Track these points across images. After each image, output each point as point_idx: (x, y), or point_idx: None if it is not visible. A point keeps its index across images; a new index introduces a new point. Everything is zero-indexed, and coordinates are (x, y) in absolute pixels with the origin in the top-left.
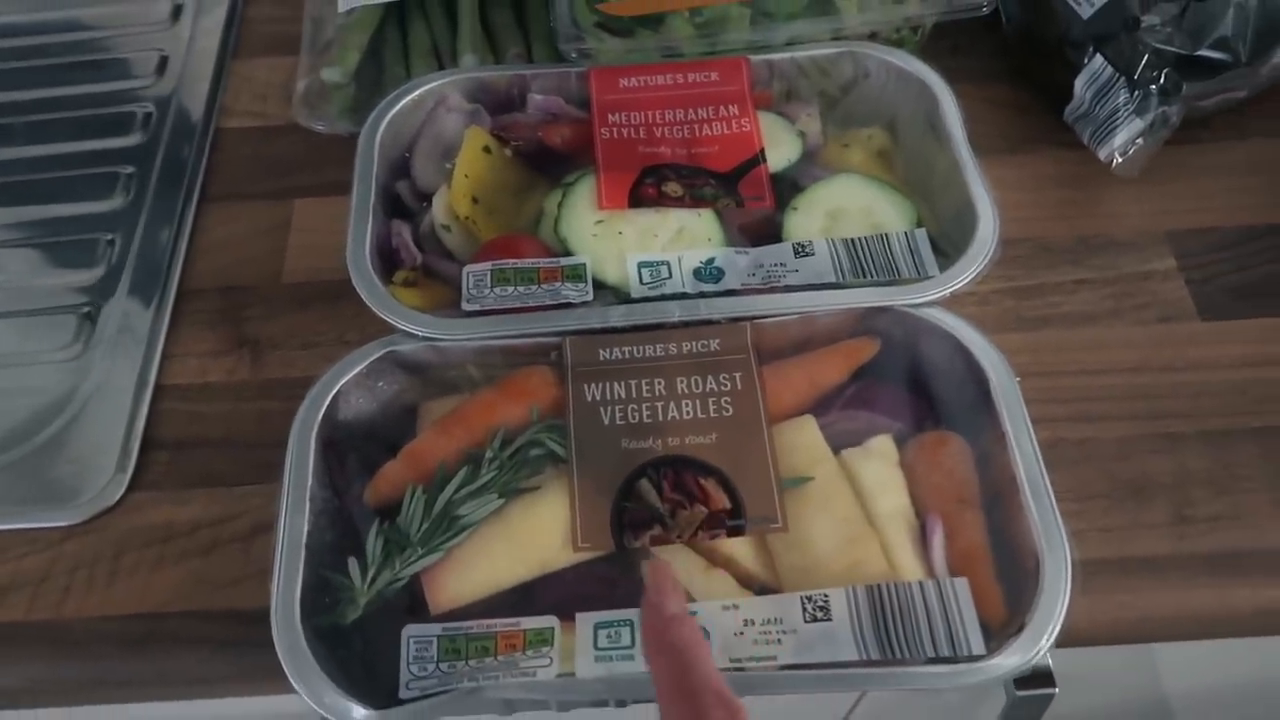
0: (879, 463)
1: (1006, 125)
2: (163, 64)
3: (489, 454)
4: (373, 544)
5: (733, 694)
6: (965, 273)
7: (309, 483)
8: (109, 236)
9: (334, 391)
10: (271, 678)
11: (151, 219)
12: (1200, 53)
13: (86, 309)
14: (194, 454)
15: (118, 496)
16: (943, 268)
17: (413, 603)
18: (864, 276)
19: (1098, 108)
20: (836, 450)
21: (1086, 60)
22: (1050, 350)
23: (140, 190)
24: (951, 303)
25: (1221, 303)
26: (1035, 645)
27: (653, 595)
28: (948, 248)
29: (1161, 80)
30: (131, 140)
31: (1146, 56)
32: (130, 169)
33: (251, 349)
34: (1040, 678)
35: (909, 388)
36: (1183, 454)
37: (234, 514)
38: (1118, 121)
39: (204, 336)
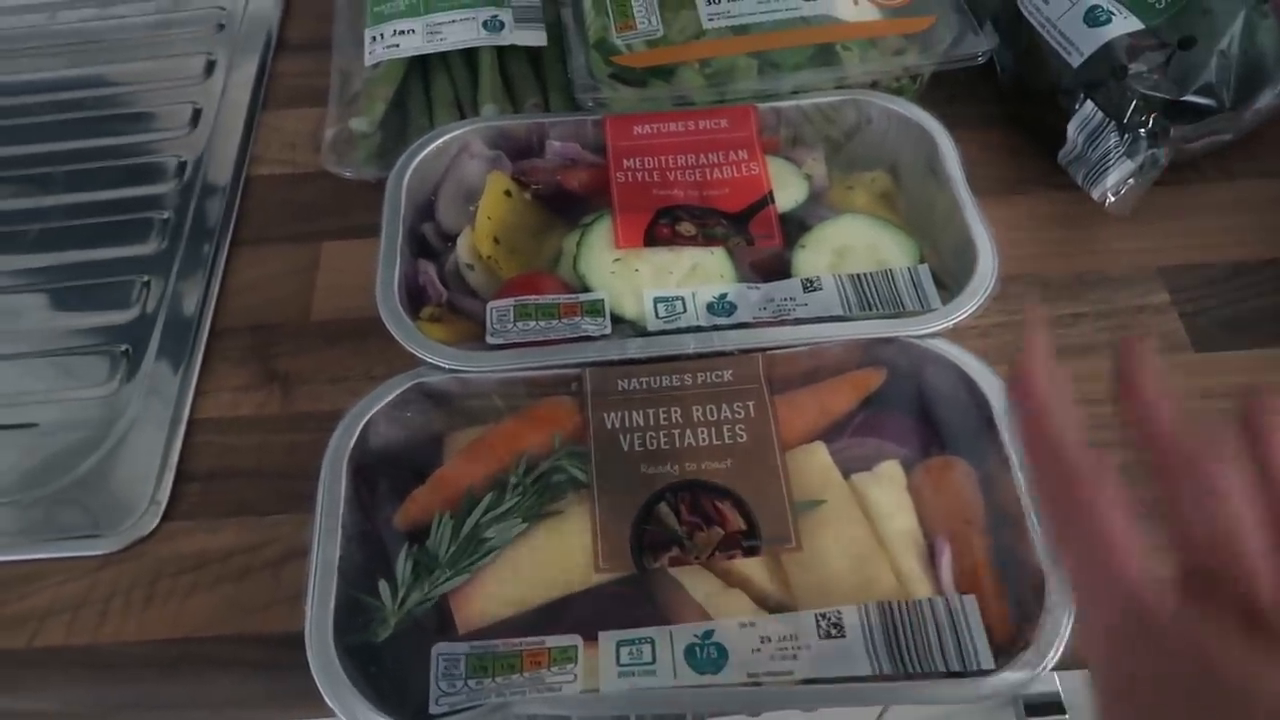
0: (888, 486)
1: (1003, 168)
2: (196, 116)
3: (513, 480)
4: (403, 566)
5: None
6: (967, 305)
7: (340, 508)
8: (144, 279)
9: (364, 421)
10: (306, 698)
11: (185, 262)
12: (1186, 98)
13: (123, 348)
14: (226, 485)
15: (153, 526)
16: (945, 301)
17: (441, 622)
18: (870, 310)
19: (1090, 151)
20: (847, 475)
21: (1078, 106)
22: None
23: (174, 235)
24: (954, 335)
25: (1213, 335)
26: (1042, 660)
27: (1025, 354)
28: (949, 282)
29: (1150, 124)
30: (166, 188)
31: (1135, 102)
32: (165, 215)
33: (281, 384)
34: (1050, 705)
35: (915, 415)
36: None
37: (265, 541)
38: (1109, 163)
39: (235, 373)
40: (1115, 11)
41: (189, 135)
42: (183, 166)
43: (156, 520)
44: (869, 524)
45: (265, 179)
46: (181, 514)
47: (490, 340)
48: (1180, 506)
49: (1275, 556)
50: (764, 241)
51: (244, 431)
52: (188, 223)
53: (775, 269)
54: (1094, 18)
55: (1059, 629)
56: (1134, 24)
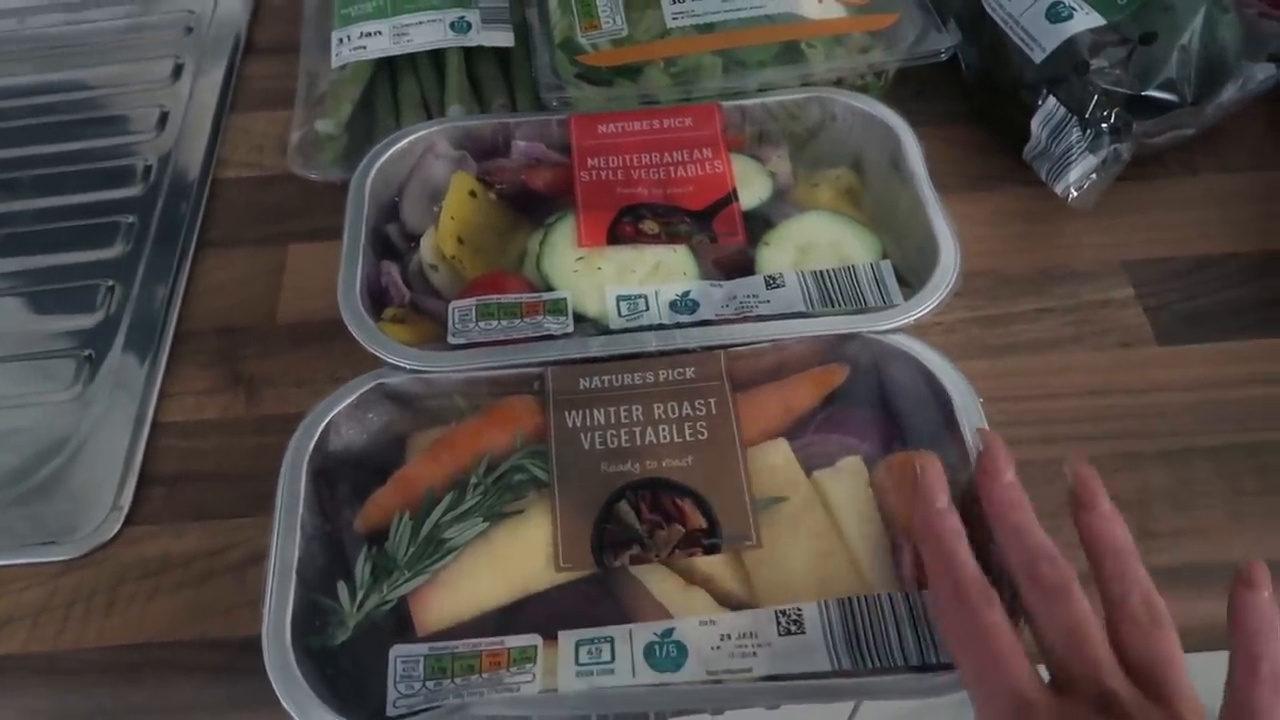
0: (849, 482)
1: (967, 164)
2: (163, 119)
3: (474, 479)
4: (362, 568)
5: (987, 583)
6: (928, 300)
7: (300, 511)
8: (109, 283)
9: (325, 423)
10: (265, 702)
11: (150, 265)
12: (1148, 93)
13: (87, 352)
14: (189, 488)
15: (114, 531)
16: (907, 297)
17: (400, 624)
18: (832, 306)
19: (1053, 146)
20: (809, 471)
21: (1040, 102)
22: (1014, 375)
23: (140, 239)
24: (917, 331)
25: (1177, 328)
26: None
27: (924, 496)
28: (912, 279)
29: (1112, 119)
30: (132, 191)
31: (1096, 97)
32: (131, 219)
33: (246, 387)
34: None
35: (878, 411)
36: (1144, 472)
37: (228, 545)
38: (1072, 158)
39: (200, 376)
40: (1077, 7)
41: (156, 138)
42: (149, 170)
43: (119, 525)
44: (830, 520)
45: (232, 181)
46: (144, 518)
47: (452, 340)
48: (1036, 610)
49: (1110, 653)
50: (727, 239)
51: (208, 434)
52: (154, 226)
53: (739, 266)
54: (1056, 14)
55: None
56: (1096, 20)
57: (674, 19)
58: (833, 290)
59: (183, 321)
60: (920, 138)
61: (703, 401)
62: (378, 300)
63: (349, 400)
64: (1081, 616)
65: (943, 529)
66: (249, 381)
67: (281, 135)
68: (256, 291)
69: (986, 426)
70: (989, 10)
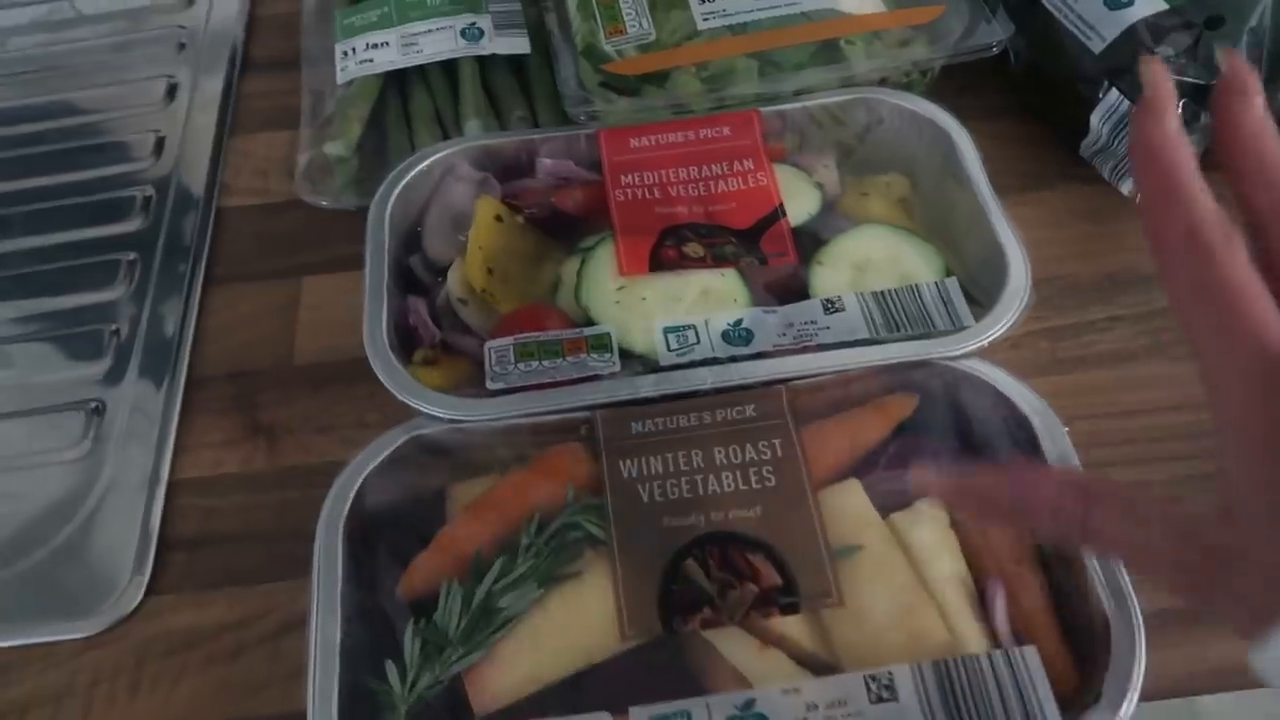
0: (930, 525)
1: (1020, 162)
2: (159, 145)
3: (525, 540)
4: (410, 645)
5: (1226, 220)
6: (1001, 321)
7: (339, 583)
8: (113, 327)
9: (359, 482)
10: None
11: (156, 306)
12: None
13: (94, 404)
14: (213, 552)
15: (136, 602)
16: (977, 316)
17: (455, 705)
18: (897, 330)
19: (1116, 143)
20: (885, 513)
21: (1101, 95)
22: (1089, 392)
23: (143, 277)
24: (986, 350)
25: None
26: (1115, 714)
27: (1148, 106)
28: (979, 294)
29: (1180, 111)
30: (131, 225)
31: None
32: (131, 255)
33: (266, 436)
34: None
35: (953, 443)
36: None
37: (258, 614)
38: None
39: (216, 426)
40: None
41: (153, 166)
42: (148, 201)
43: (140, 595)
44: (913, 569)
45: (237, 210)
46: (166, 587)
47: (490, 385)
48: None
49: None
50: (777, 260)
51: (229, 491)
52: (156, 263)
53: (792, 289)
54: (1115, 0)
55: (1130, 677)
56: (1157, 4)
57: (704, 20)
58: (897, 313)
59: (194, 367)
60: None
61: (766, 443)
62: (405, 340)
63: (383, 456)
64: None
65: (1174, 153)
66: (269, 430)
67: (287, 158)
68: (270, 330)
69: (1073, 453)
70: None
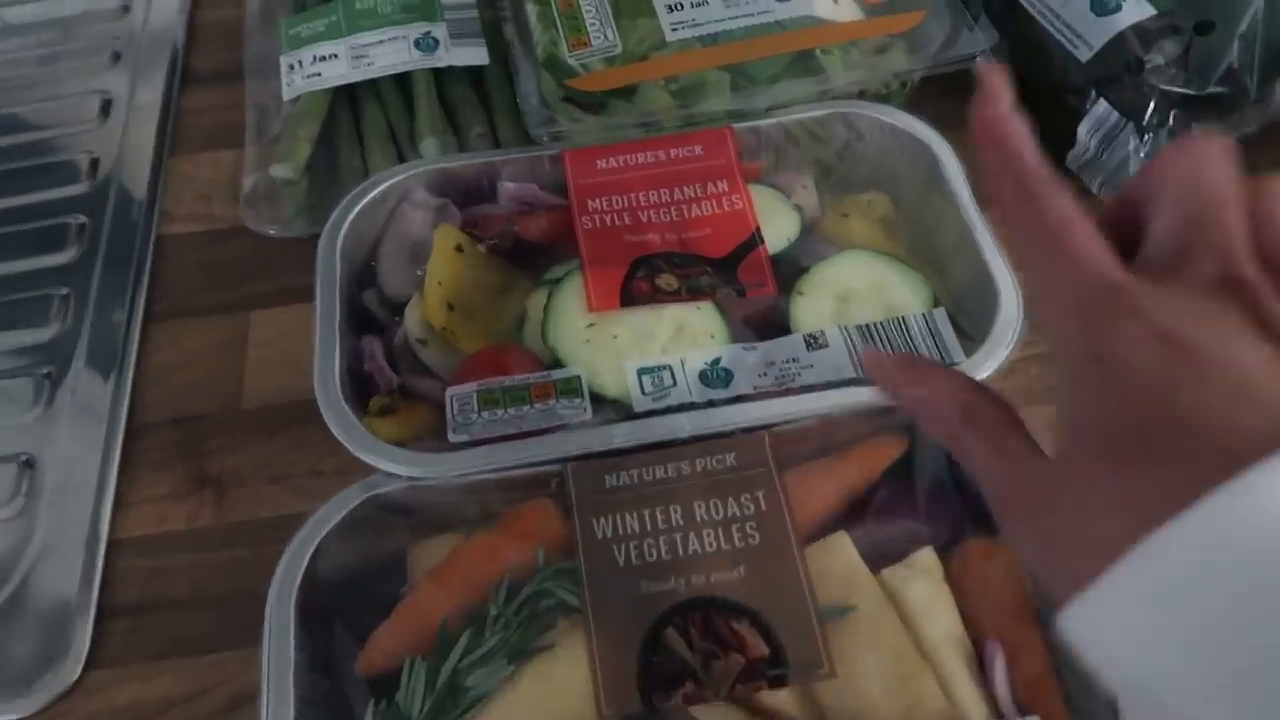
0: (924, 581)
1: None
2: (94, 167)
3: (494, 610)
4: None
5: (1054, 174)
6: (993, 357)
7: (291, 663)
8: (45, 369)
9: (312, 548)
10: None
11: (93, 346)
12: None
13: (24, 457)
14: (158, 618)
15: (75, 676)
16: (967, 350)
17: None
18: None
19: (1104, 155)
20: (875, 568)
21: (1089, 106)
22: None
23: (78, 314)
24: None
25: None
26: None
27: (983, 94)
28: (968, 324)
29: (1170, 122)
30: (64, 256)
31: (1154, 99)
32: (64, 290)
33: (214, 489)
34: None
35: (943, 487)
36: None
37: (208, 686)
38: (1129, 169)
39: (160, 478)
40: None
41: (88, 190)
42: (82, 229)
43: (79, 669)
44: (907, 630)
45: (179, 238)
46: (108, 659)
47: (453, 438)
48: (1166, 169)
49: (1248, 231)
50: (756, 291)
51: (174, 550)
52: (92, 296)
53: (771, 322)
54: (1102, 5)
55: None
56: (1145, 9)
57: (673, 31)
58: (883, 348)
59: (135, 413)
60: (951, 145)
61: (749, 496)
62: (360, 386)
63: (337, 518)
64: (1228, 180)
65: (1007, 130)
66: (217, 482)
67: (231, 179)
68: (217, 370)
69: None
70: (1024, 3)
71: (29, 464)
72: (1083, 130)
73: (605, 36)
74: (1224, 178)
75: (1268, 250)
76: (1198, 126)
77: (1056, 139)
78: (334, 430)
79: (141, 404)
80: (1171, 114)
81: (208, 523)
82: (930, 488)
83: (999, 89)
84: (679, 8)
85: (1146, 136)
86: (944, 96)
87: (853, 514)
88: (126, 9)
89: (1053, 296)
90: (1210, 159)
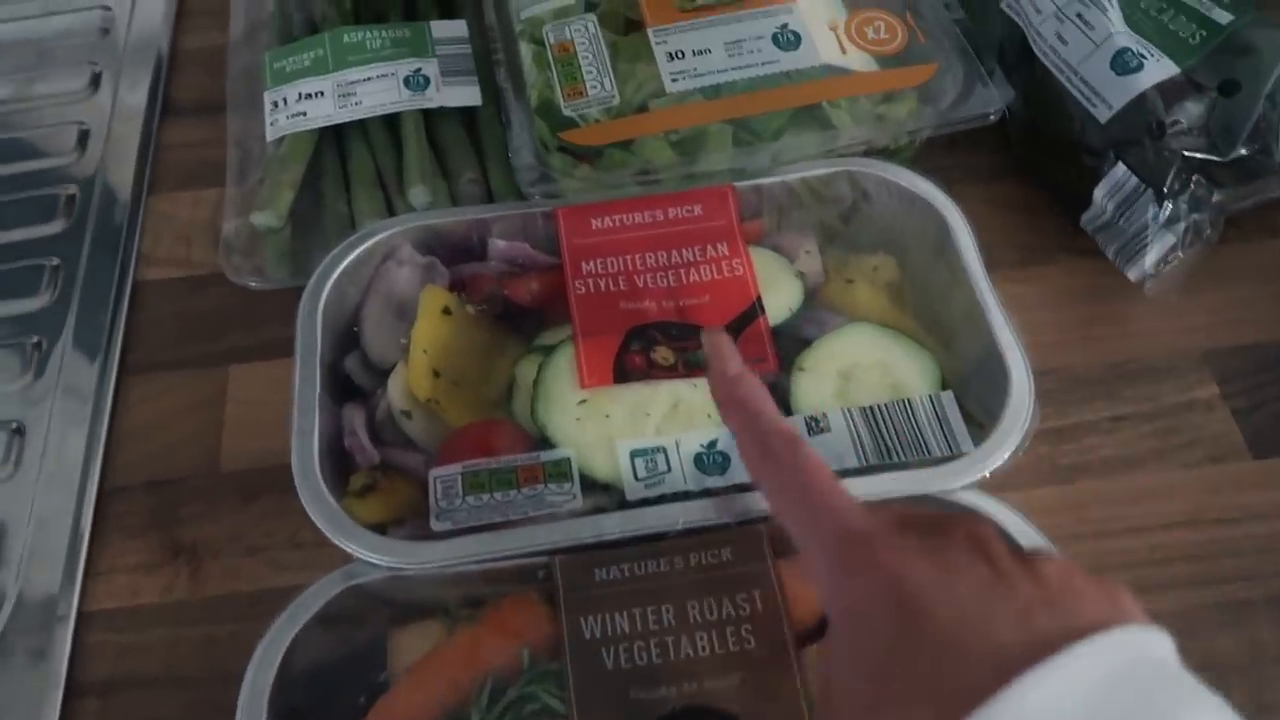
0: None
1: (1017, 231)
2: (70, 205)
3: (476, 715)
4: None
5: (794, 429)
6: (1002, 447)
7: None
8: (13, 424)
9: (287, 642)
10: None
11: (65, 402)
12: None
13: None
14: (128, 699)
15: None
16: (975, 438)
17: None
18: (888, 455)
19: (1122, 220)
20: None
21: (1106, 169)
22: (1091, 504)
23: (48, 366)
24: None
25: (1273, 435)
26: None
27: (715, 362)
28: (975, 408)
29: (1191, 188)
30: (37, 303)
31: (1176, 165)
32: (35, 338)
33: (189, 558)
34: None
35: None
36: (1253, 625)
37: None
38: (1147, 238)
39: (133, 546)
40: (1147, 55)
41: (62, 231)
42: (57, 271)
43: None
44: None
45: (156, 285)
46: None
47: (436, 525)
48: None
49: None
50: (756, 366)
51: (147, 625)
52: (65, 347)
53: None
54: (1123, 64)
55: None
56: (1168, 68)
57: (673, 81)
58: (888, 435)
59: (107, 475)
60: (959, 199)
61: (745, 596)
62: (340, 459)
63: (314, 611)
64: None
65: (743, 393)
66: (192, 551)
67: (212, 220)
68: (194, 430)
69: None
70: (1040, 55)
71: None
72: (1099, 193)
73: (603, 86)
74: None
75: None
76: (1220, 193)
77: (1072, 198)
78: (311, 514)
79: (114, 466)
80: (1193, 179)
81: (182, 596)
82: None
83: (729, 352)
84: (679, 56)
85: (1166, 204)
86: (955, 149)
87: None
88: (106, 31)
89: (809, 551)
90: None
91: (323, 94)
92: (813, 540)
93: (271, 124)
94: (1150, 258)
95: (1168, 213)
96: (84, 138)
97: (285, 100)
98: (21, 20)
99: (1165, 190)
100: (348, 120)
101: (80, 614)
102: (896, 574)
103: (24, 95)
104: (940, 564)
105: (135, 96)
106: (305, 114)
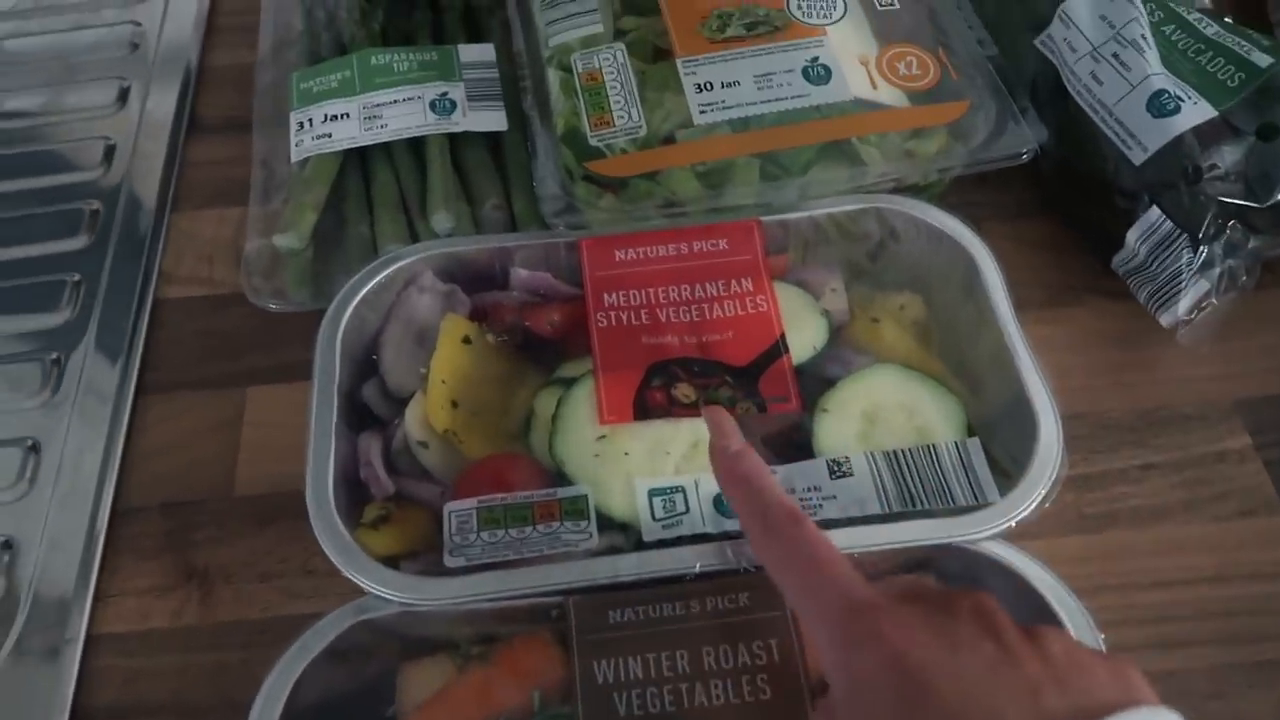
0: None
1: (1046, 270)
2: (94, 220)
3: None
4: None
5: (796, 505)
6: (1029, 498)
7: None
8: (29, 441)
9: (296, 675)
10: None
11: (81, 419)
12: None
13: (4, 538)
14: None
15: None
16: (1001, 487)
17: None
18: (911, 503)
19: (1155, 265)
20: None
21: (1141, 211)
22: (1118, 557)
23: (68, 384)
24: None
25: None
26: None
27: (717, 440)
28: (1001, 454)
29: (1226, 233)
30: (57, 319)
31: (1212, 211)
32: (54, 354)
33: (201, 582)
34: None
35: None
36: None
37: None
38: (1181, 284)
39: (145, 569)
40: (1184, 97)
41: (86, 246)
42: (77, 288)
43: None
44: None
45: (178, 303)
46: None
47: (449, 561)
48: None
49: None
50: (778, 405)
51: (156, 650)
52: (84, 365)
53: (794, 442)
54: (1160, 106)
55: None
56: (1206, 110)
57: (701, 113)
58: (912, 481)
59: (121, 496)
60: (987, 236)
61: (761, 644)
62: (355, 489)
63: (324, 644)
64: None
65: (745, 469)
66: (204, 575)
67: (234, 239)
68: (210, 451)
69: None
70: (1075, 95)
71: (7, 546)
72: (1132, 236)
73: (629, 116)
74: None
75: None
76: (1256, 239)
77: (1103, 238)
78: (324, 546)
79: (128, 486)
80: (1229, 224)
81: (192, 621)
82: None
83: (730, 429)
84: (708, 87)
85: (1201, 249)
86: (984, 184)
87: None
88: (136, 46)
89: (812, 624)
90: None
91: (348, 116)
92: (815, 612)
93: (296, 145)
94: (1184, 304)
95: (1202, 258)
96: (110, 152)
97: (310, 121)
98: (53, 34)
99: (1200, 236)
100: (372, 143)
101: (89, 637)
102: (900, 647)
103: (53, 108)
104: (945, 639)
105: (162, 112)
106: (330, 135)
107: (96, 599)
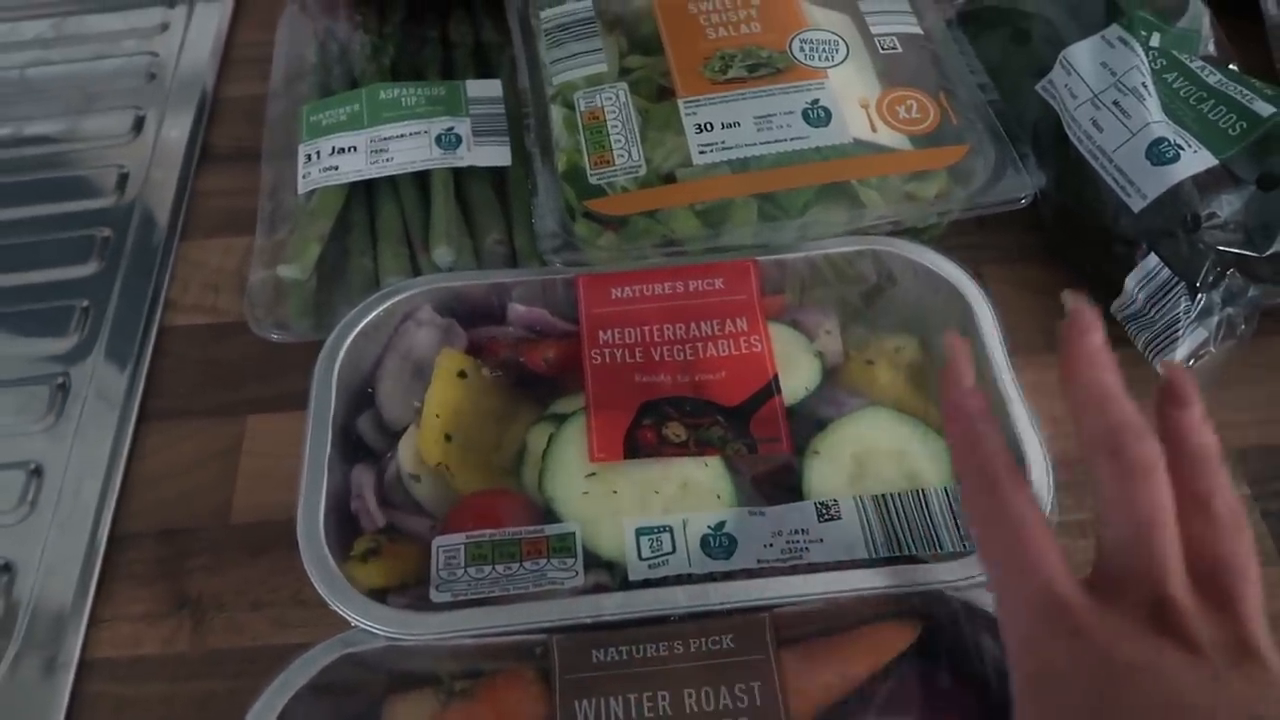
0: None
1: (1043, 314)
2: (104, 247)
3: None
4: None
5: (1014, 464)
6: None
7: None
8: (32, 465)
9: (279, 709)
10: None
11: (83, 445)
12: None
13: (3, 561)
14: None
15: None
16: None
17: None
18: (899, 548)
19: (1153, 311)
20: None
21: (1139, 258)
22: None
23: (71, 409)
24: None
25: None
26: None
27: (951, 369)
28: None
29: (1226, 281)
30: (65, 344)
31: (1210, 259)
32: (60, 378)
33: (193, 610)
34: None
35: (955, 683)
36: None
37: None
38: (1179, 332)
39: (138, 595)
40: (1184, 145)
41: (95, 273)
42: (85, 314)
43: None
44: None
45: (182, 331)
46: None
47: (435, 596)
48: (1107, 491)
49: (1180, 554)
50: (769, 446)
51: (147, 678)
52: (87, 391)
53: (783, 484)
54: (1159, 154)
55: None
56: (1206, 159)
57: (700, 153)
58: (899, 526)
59: (119, 521)
60: (984, 280)
61: (744, 686)
62: (347, 521)
63: (308, 677)
64: (1161, 505)
65: (971, 406)
66: (196, 603)
67: (240, 269)
68: (208, 480)
69: None
70: (1075, 141)
71: (7, 568)
72: (1130, 282)
73: (630, 155)
74: (1157, 498)
75: (1198, 571)
76: (1256, 288)
77: (1101, 283)
78: (312, 578)
79: (127, 512)
80: (1228, 273)
81: (183, 649)
82: (939, 682)
83: (965, 369)
84: (708, 128)
85: (1200, 297)
86: (982, 227)
87: (856, 708)
88: (153, 76)
89: (1007, 601)
90: (1145, 474)
91: (355, 149)
92: (1011, 589)
93: (304, 176)
94: (1181, 351)
95: (1200, 306)
96: (123, 180)
97: (319, 154)
98: (74, 63)
99: (1198, 284)
100: (378, 176)
101: (82, 661)
102: (1106, 646)
103: (70, 136)
104: (1152, 646)
105: (175, 141)
106: (337, 168)
107: (91, 623)
